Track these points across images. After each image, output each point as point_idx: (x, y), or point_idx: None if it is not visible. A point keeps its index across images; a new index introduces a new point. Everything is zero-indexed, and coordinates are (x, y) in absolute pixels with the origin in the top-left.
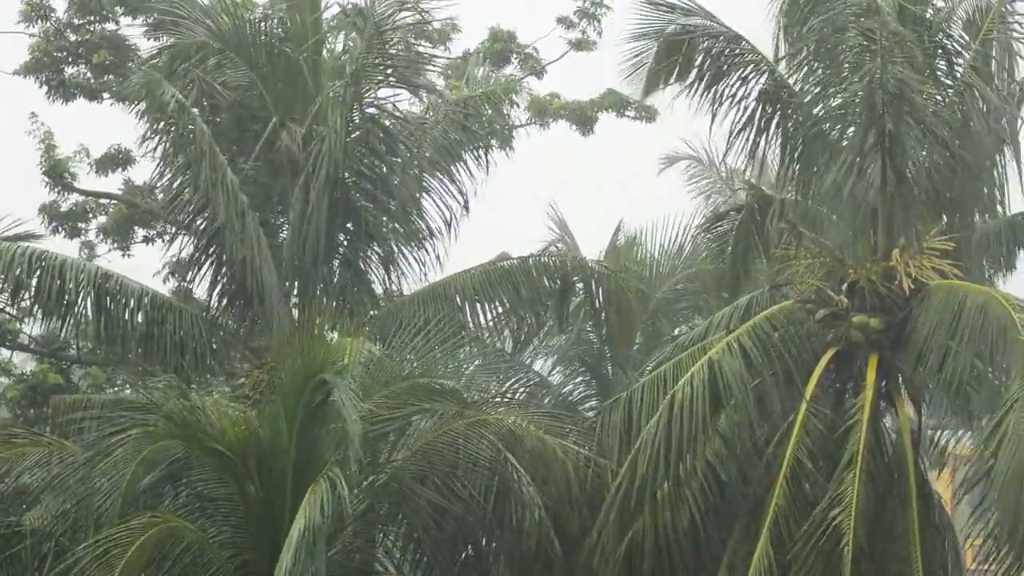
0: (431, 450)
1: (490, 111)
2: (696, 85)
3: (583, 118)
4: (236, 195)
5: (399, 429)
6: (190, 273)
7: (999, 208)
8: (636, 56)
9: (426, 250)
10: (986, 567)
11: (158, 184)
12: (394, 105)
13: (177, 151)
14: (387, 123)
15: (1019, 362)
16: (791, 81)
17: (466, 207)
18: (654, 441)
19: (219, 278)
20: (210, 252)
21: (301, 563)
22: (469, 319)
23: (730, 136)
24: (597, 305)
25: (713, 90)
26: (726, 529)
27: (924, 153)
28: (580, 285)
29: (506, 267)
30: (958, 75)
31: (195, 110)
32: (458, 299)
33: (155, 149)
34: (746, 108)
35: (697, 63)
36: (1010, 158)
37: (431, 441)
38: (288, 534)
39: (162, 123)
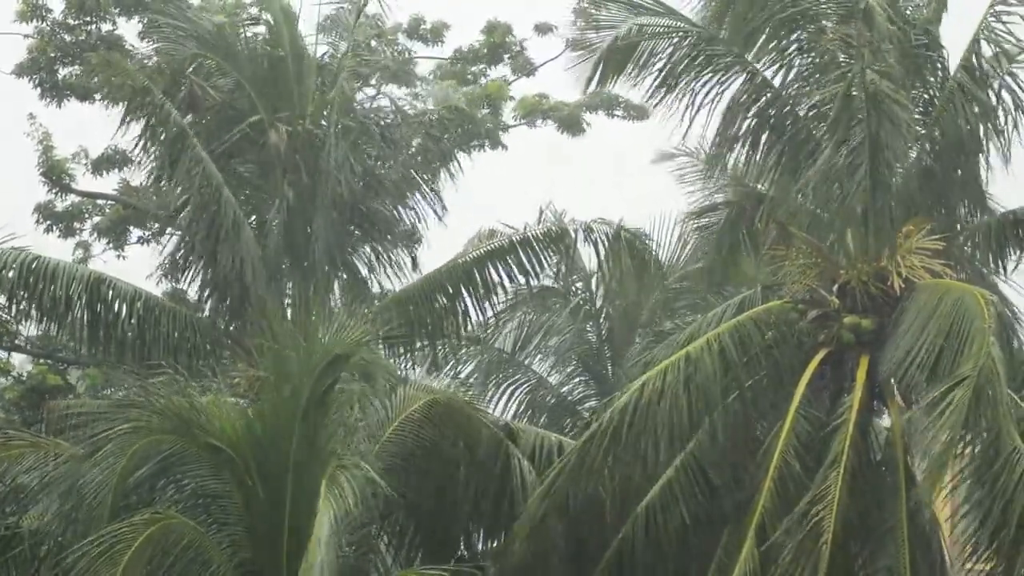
0: (397, 438)
1: (478, 111)
2: (660, 83)
3: (570, 120)
4: (224, 195)
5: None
6: (181, 274)
7: (990, 206)
8: (584, 53)
9: (413, 248)
10: (982, 567)
11: (147, 184)
12: (392, 101)
13: (161, 151)
14: (377, 121)
15: (977, 345)
16: (772, 79)
17: (442, 207)
18: (609, 427)
19: (209, 278)
20: (200, 252)
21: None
22: (471, 308)
23: (715, 136)
24: (602, 271)
25: (691, 89)
26: (717, 530)
27: (914, 154)
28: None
29: (504, 244)
30: (945, 74)
31: (175, 111)
32: (462, 287)
33: (142, 149)
34: (725, 107)
35: (658, 63)
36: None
37: (397, 428)
38: (292, 528)
39: (143, 119)
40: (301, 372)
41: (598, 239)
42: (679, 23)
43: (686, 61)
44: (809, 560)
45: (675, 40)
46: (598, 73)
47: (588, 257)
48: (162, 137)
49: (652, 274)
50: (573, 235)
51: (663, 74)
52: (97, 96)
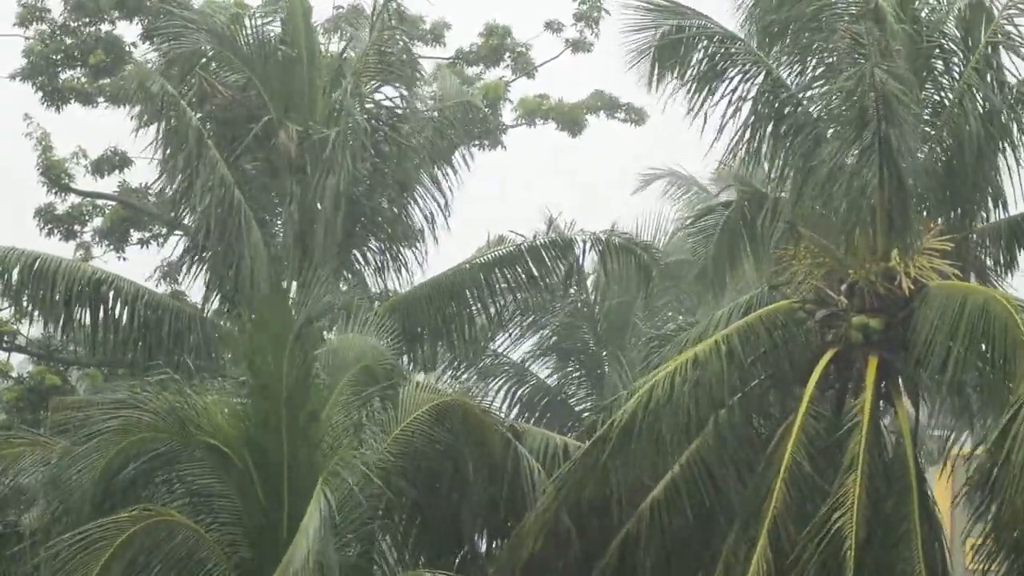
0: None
1: (480, 111)
2: (693, 85)
3: (571, 120)
4: (230, 192)
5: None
6: (184, 272)
7: (999, 209)
8: (635, 54)
9: (416, 248)
10: (984, 567)
11: (152, 183)
12: (402, 100)
13: (169, 147)
14: (385, 122)
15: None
16: (787, 79)
17: (446, 207)
18: (618, 430)
19: (215, 278)
20: (204, 249)
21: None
22: (474, 309)
23: (727, 136)
24: (604, 276)
25: (709, 89)
26: (722, 529)
27: (923, 153)
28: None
29: (511, 251)
30: (956, 75)
31: (184, 104)
32: (470, 291)
33: (152, 148)
34: (742, 108)
35: (693, 63)
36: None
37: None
38: (291, 526)
39: (154, 118)
40: (276, 356)
41: (606, 250)
42: (708, 24)
43: (714, 64)
44: (830, 566)
45: (704, 42)
46: (655, 71)
47: (588, 260)
48: (182, 145)
49: (652, 279)
50: (581, 245)
51: (699, 75)
52: (100, 99)
